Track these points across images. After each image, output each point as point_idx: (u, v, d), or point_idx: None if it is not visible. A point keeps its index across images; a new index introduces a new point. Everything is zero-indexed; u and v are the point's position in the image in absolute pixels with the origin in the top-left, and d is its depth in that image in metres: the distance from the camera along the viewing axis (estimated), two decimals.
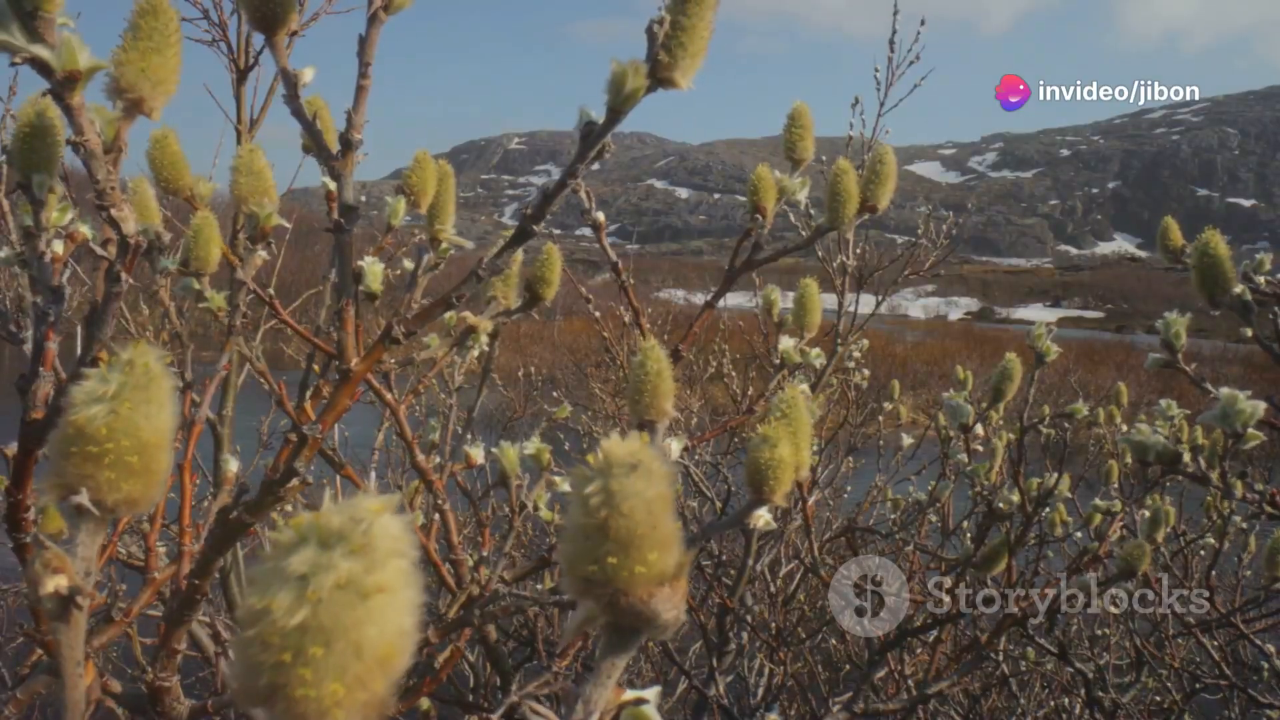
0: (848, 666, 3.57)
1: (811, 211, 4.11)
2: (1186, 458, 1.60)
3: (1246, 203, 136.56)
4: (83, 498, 0.45)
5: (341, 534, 0.31)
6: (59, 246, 0.94)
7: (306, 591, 0.30)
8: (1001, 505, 2.27)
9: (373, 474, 2.94)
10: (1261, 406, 1.48)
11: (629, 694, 0.43)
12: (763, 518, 1.00)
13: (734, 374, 5.26)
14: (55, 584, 0.45)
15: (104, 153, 0.69)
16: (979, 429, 2.35)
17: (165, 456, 0.47)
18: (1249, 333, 1.55)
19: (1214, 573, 2.47)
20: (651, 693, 0.43)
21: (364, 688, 0.31)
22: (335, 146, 0.90)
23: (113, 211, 0.71)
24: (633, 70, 0.76)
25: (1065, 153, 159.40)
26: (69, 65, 0.66)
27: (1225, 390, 1.50)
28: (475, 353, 1.86)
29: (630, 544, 0.40)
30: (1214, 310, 1.57)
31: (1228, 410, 1.48)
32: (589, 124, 0.80)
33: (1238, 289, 1.52)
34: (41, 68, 0.65)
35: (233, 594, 3.22)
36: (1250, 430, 1.49)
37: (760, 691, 3.11)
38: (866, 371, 4.33)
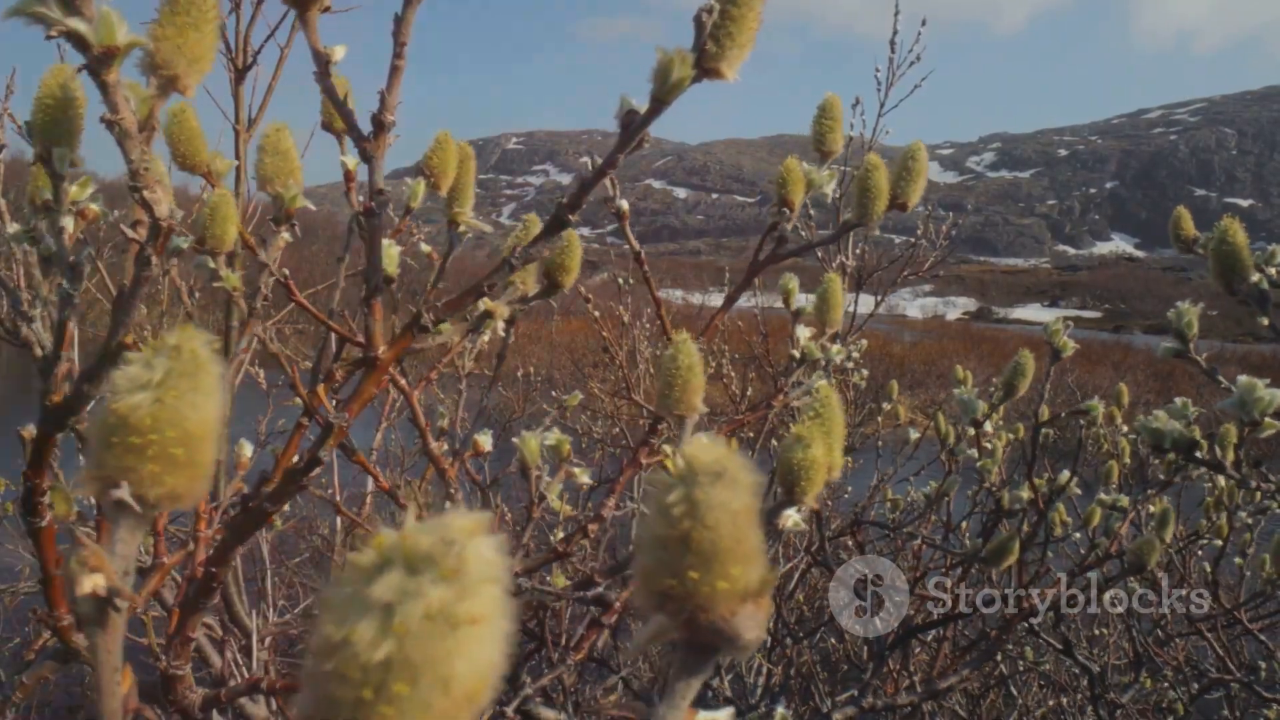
0: (845, 666, 3.57)
1: (812, 212, 4.11)
2: (1203, 446, 1.57)
3: (1244, 203, 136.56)
4: (124, 492, 0.42)
5: (431, 557, 0.28)
6: (69, 223, 0.91)
7: (393, 623, 0.27)
8: (1005, 503, 2.25)
9: None
10: None
11: (703, 715, 0.40)
12: (791, 518, 0.98)
13: (733, 374, 5.24)
14: (93, 584, 0.42)
15: (137, 131, 0.66)
16: (988, 426, 2.34)
17: (211, 449, 0.44)
18: (1265, 322, 1.53)
19: (1215, 571, 2.47)
20: (725, 714, 0.41)
21: None
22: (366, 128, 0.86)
23: (145, 193, 0.68)
24: (679, 59, 0.73)
25: (1063, 153, 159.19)
26: (106, 40, 0.63)
27: (1243, 378, 1.48)
28: (487, 337, 1.83)
29: (713, 558, 0.37)
30: (1232, 296, 1.55)
31: (1245, 398, 1.46)
32: (630, 113, 0.77)
33: (1255, 277, 1.51)
34: (78, 42, 0.62)
35: (229, 592, 3.20)
36: (1268, 419, 1.47)
37: (759, 690, 3.11)
38: (865, 371, 4.32)
